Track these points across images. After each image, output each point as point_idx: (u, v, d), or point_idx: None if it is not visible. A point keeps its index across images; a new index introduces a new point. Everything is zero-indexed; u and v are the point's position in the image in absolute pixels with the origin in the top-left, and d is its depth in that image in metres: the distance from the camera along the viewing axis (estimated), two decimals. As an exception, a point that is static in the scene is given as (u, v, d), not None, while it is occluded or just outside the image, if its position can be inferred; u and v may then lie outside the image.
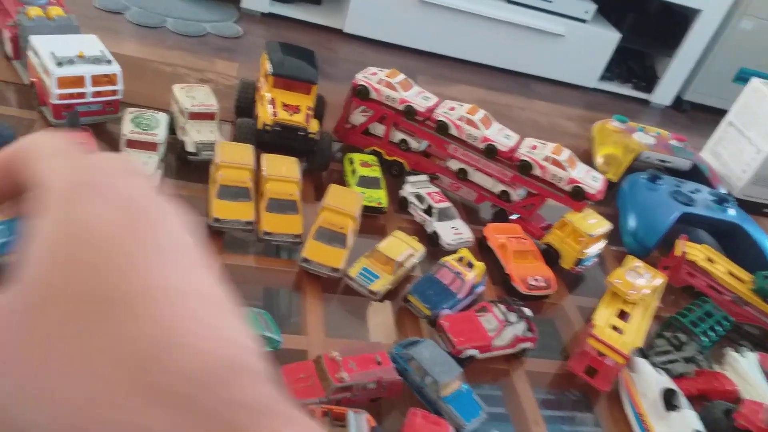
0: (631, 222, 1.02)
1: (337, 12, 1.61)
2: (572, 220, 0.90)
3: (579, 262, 0.90)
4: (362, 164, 0.96)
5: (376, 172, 0.95)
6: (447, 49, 1.65)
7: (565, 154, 0.92)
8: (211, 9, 1.46)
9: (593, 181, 0.91)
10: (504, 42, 1.67)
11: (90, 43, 0.88)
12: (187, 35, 1.32)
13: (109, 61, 0.87)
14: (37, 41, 0.85)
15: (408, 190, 0.94)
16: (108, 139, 0.89)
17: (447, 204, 0.92)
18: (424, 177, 0.97)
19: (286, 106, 0.91)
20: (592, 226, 0.90)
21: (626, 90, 1.85)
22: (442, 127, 0.96)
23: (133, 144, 0.83)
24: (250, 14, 1.51)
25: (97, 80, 0.86)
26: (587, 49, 1.73)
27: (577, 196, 0.91)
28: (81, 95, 0.85)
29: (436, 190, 0.94)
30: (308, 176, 0.93)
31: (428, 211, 0.91)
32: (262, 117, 0.90)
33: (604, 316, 0.81)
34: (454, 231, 0.89)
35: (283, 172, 0.85)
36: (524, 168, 0.92)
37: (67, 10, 0.94)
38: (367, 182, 0.93)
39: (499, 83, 1.68)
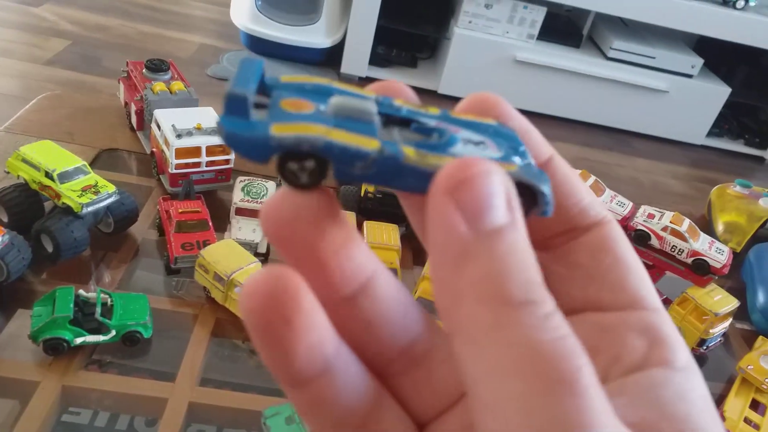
0: (761, 297, 0.93)
1: (432, 74, 1.63)
2: (695, 296, 0.83)
3: (702, 342, 0.82)
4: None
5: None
6: (539, 106, 1.62)
7: (686, 224, 0.86)
8: (312, 74, 1.52)
9: (718, 254, 0.84)
10: (601, 98, 1.62)
11: (207, 115, 0.93)
12: (290, 100, 1.38)
13: (223, 132, 0.91)
14: (160, 114, 0.91)
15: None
16: (219, 206, 0.93)
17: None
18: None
19: (388, 172, 0.92)
20: (717, 303, 0.83)
21: (738, 146, 1.73)
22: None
23: (242, 211, 0.86)
24: (349, 79, 1.55)
25: (211, 150, 0.90)
26: (693, 104, 1.64)
27: (700, 270, 0.84)
28: (196, 165, 0.90)
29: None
30: (407, 242, 0.92)
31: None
32: (365, 184, 0.91)
33: (736, 408, 0.72)
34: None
35: (384, 239, 0.84)
36: (641, 238, 0.87)
37: (187, 84, 1.00)
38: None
39: (595, 140, 1.62)
